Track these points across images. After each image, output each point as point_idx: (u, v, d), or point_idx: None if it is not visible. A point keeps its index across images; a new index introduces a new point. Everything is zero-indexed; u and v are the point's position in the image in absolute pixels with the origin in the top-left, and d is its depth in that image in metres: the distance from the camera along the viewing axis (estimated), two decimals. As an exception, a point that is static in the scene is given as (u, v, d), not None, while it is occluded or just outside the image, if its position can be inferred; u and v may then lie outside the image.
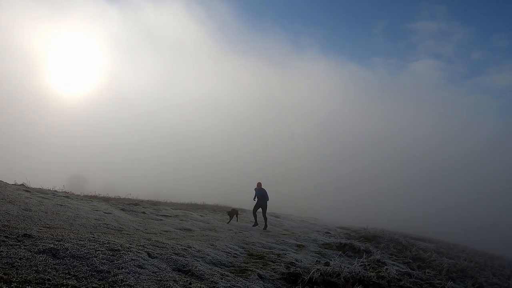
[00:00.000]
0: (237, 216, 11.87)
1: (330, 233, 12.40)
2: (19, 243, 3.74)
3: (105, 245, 4.16)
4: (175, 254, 4.54)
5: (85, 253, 3.74)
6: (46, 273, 3.11)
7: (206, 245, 5.65)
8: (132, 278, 3.36)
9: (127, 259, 3.80)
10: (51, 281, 2.95)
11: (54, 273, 3.16)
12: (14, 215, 5.34)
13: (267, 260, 5.60)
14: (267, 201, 11.30)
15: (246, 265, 5.06)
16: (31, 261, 3.30)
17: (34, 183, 9.57)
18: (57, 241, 3.98)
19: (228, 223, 11.21)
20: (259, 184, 11.36)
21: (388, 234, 14.26)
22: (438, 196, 51.26)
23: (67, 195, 9.27)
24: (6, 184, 8.37)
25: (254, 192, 11.41)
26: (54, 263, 3.38)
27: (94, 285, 3.04)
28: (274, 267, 5.20)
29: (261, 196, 11.21)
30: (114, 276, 3.30)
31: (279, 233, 10.46)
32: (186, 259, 4.43)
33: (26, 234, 4.07)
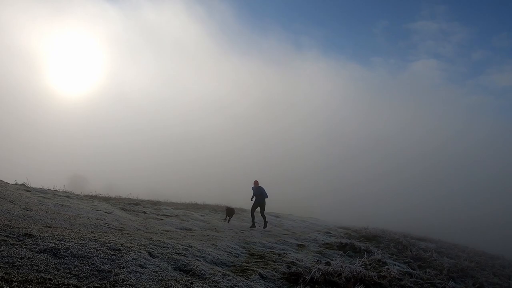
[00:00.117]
0: (230, 217, 11.43)
1: (330, 233, 12.40)
2: (20, 242, 3.73)
3: (106, 244, 4.16)
4: (176, 253, 4.54)
5: (86, 252, 3.74)
6: (47, 273, 3.10)
7: (207, 245, 5.65)
8: (133, 278, 3.35)
9: (128, 258, 3.80)
10: (52, 281, 2.94)
11: (55, 272, 3.15)
12: (15, 214, 5.33)
13: (268, 260, 5.59)
14: (266, 199, 11.01)
15: (247, 264, 5.05)
16: (32, 260, 3.29)
17: (34, 183, 9.58)
18: (58, 240, 3.97)
19: (227, 221, 10.98)
20: (256, 182, 11.08)
21: (388, 234, 14.25)
22: (438, 196, 51.28)
23: (67, 195, 9.27)
24: (6, 183, 8.37)
25: (251, 192, 11.11)
26: (55, 262, 3.37)
27: (95, 285, 3.03)
28: (275, 266, 5.19)
29: (259, 194, 10.92)
30: (115, 276, 3.29)
31: (280, 233, 10.45)
32: (187, 258, 4.42)
33: (27, 233, 4.06)
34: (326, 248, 8.47)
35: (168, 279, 3.54)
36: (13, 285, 2.71)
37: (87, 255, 3.68)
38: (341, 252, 7.99)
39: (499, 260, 16.25)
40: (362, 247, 8.96)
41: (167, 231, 7.27)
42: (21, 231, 4.14)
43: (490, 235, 31.00)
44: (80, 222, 6.03)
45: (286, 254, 6.37)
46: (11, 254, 3.32)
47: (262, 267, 5.01)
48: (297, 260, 5.91)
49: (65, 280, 3.00)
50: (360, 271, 5.54)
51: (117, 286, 3.11)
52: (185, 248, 4.93)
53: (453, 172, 62.86)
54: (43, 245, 3.72)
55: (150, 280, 3.42)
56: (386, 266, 7.01)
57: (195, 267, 4.12)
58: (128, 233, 5.81)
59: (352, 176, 56.65)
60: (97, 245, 4.06)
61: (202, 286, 3.56)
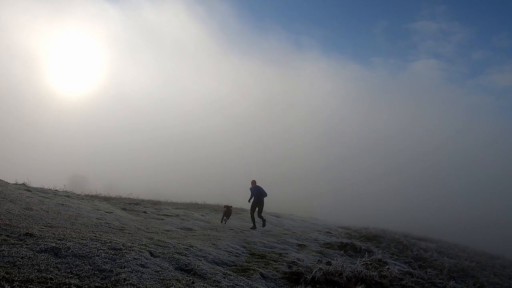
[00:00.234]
0: (227, 217, 10.96)
1: (331, 233, 12.39)
2: (20, 242, 3.72)
3: (107, 244, 4.15)
4: (177, 253, 4.53)
5: (87, 252, 3.73)
6: (48, 272, 3.09)
7: (208, 245, 5.64)
8: (135, 277, 3.34)
9: (129, 258, 3.79)
10: (53, 280, 2.93)
11: (56, 272, 3.14)
12: (16, 214, 5.32)
13: (269, 260, 5.59)
14: (266, 198, 10.77)
15: (248, 264, 5.05)
16: (33, 260, 3.28)
17: (34, 183, 9.57)
18: (59, 240, 3.97)
19: (224, 222, 10.65)
20: (253, 182, 10.86)
21: (389, 234, 14.24)
22: (438, 196, 51.28)
23: (68, 195, 9.27)
24: (7, 183, 8.36)
25: (250, 192, 10.84)
26: (56, 262, 3.36)
27: (96, 284, 3.03)
28: (276, 266, 5.19)
29: (258, 194, 10.69)
30: (116, 275, 3.29)
31: (280, 233, 10.44)
32: (188, 258, 4.42)
33: (28, 233, 4.05)
34: (326, 248, 8.47)
35: (170, 279, 3.53)
36: (14, 284, 2.70)
37: (88, 254, 3.67)
38: (341, 252, 7.98)
39: (500, 260, 16.25)
40: (363, 247, 8.96)
41: (168, 230, 7.26)
42: (22, 230, 4.13)
43: (490, 235, 31.01)
44: (81, 222, 6.02)
45: (287, 253, 6.36)
46: (12, 253, 3.31)
47: (263, 267, 5.01)
48: (298, 260, 5.91)
49: (66, 280, 2.99)
50: (361, 270, 5.53)
51: (118, 285, 3.10)
52: (186, 248, 4.92)
53: (453, 172, 62.88)
54: (44, 245, 3.71)
55: (151, 279, 3.41)
56: (387, 266, 7.01)
57: (196, 266, 4.11)
58: (129, 233, 5.80)
59: (352, 176, 56.66)
60: (98, 244, 4.05)
61: (203, 286, 3.55)
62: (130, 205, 10.42)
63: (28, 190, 8.17)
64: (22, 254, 3.36)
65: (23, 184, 9.15)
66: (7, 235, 3.84)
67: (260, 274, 4.56)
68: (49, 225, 5.14)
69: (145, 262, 3.81)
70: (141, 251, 4.13)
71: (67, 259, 3.48)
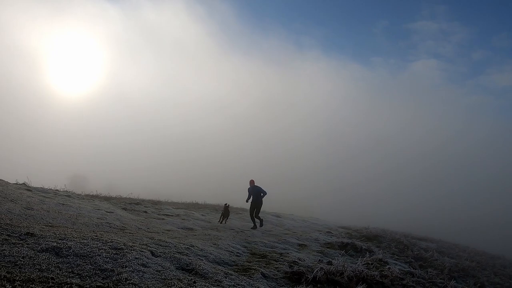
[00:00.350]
0: (226, 218, 10.71)
1: (331, 233, 12.38)
2: (21, 241, 3.72)
3: (108, 243, 4.14)
4: (178, 253, 4.53)
5: (88, 251, 3.72)
6: (50, 272, 3.09)
7: (208, 244, 5.63)
8: (136, 277, 3.34)
9: (130, 258, 3.78)
10: (54, 280, 2.93)
11: (58, 271, 3.14)
12: (16, 213, 5.32)
13: (270, 259, 5.58)
14: (266, 196, 10.61)
15: (249, 264, 5.04)
16: (34, 259, 3.27)
17: (35, 183, 9.56)
18: (60, 239, 3.96)
19: (224, 222, 10.45)
20: (251, 182, 10.71)
21: (389, 234, 14.23)
22: (438, 196, 51.28)
23: (68, 194, 9.26)
24: (7, 183, 8.36)
25: (247, 193, 10.70)
26: (57, 261, 3.35)
27: (98, 284, 3.02)
28: (277, 266, 5.18)
29: (256, 194, 10.56)
30: (118, 275, 3.28)
31: (281, 233, 10.43)
32: (190, 258, 4.41)
33: (29, 232, 4.05)
34: (327, 247, 8.46)
35: (171, 278, 3.53)
36: (15, 284, 2.70)
37: (89, 254, 3.66)
38: (342, 252, 7.98)
39: (500, 260, 16.25)
40: (363, 247, 8.95)
41: (169, 230, 7.26)
42: (22, 230, 4.12)
43: (490, 235, 31.02)
44: (82, 222, 6.01)
45: (288, 253, 6.36)
46: (13, 253, 3.30)
47: (264, 267, 5.00)
48: (299, 260, 5.90)
49: (68, 279, 2.99)
50: (362, 270, 5.53)
51: (120, 285, 3.10)
52: (187, 248, 4.92)
53: (453, 172, 62.88)
54: (45, 244, 3.70)
55: (153, 279, 3.41)
56: (388, 266, 7.00)
57: (197, 266, 4.11)
58: (129, 233, 5.79)
59: (352, 176, 56.67)
60: (99, 244, 4.04)
61: (205, 285, 3.55)
62: (131, 205, 10.41)
63: (29, 190, 8.16)
64: (23, 253, 3.35)
65: (24, 184, 9.14)
66: (8, 235, 3.83)
67: (261, 274, 4.55)
68: (50, 224, 5.13)
69: (146, 262, 3.80)
70: (142, 251, 4.13)
71: (68, 258, 3.47)
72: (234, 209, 15.05)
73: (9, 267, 3.00)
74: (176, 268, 3.95)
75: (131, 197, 13.32)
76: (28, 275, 2.91)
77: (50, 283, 2.84)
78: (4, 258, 3.15)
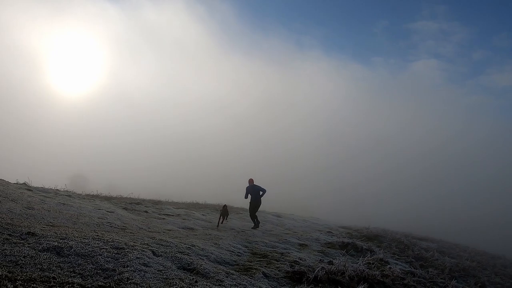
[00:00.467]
0: (224, 218, 10.13)
1: (332, 233, 12.38)
2: (22, 241, 3.71)
3: (110, 243, 4.14)
4: (180, 252, 4.52)
5: (89, 251, 3.72)
6: (51, 271, 3.08)
7: (209, 244, 5.63)
8: (138, 276, 3.33)
9: (132, 257, 3.78)
10: (56, 279, 2.92)
11: (59, 271, 3.13)
12: (17, 213, 5.31)
13: (271, 259, 5.58)
14: (266, 194, 10.47)
15: (250, 263, 5.04)
16: (35, 259, 3.27)
17: (35, 182, 9.55)
18: (61, 239, 3.96)
19: (224, 222, 10.04)
20: (251, 181, 10.58)
21: (390, 234, 14.23)
22: (438, 196, 51.25)
23: (69, 194, 9.25)
24: (8, 183, 8.35)
25: (245, 191, 10.54)
26: (59, 261, 3.35)
27: (100, 283, 3.02)
28: (278, 265, 5.18)
29: (256, 193, 10.43)
30: (119, 274, 3.28)
31: (281, 232, 10.42)
32: (191, 257, 4.41)
33: (30, 232, 4.04)
34: (328, 247, 8.46)
35: (173, 278, 3.52)
36: (17, 283, 2.69)
37: (91, 253, 3.66)
38: (343, 252, 7.97)
39: (501, 260, 16.23)
40: (364, 247, 8.94)
41: (170, 230, 7.25)
42: (23, 229, 4.12)
43: (490, 235, 30.98)
44: (83, 221, 6.01)
45: (289, 253, 6.36)
46: (14, 252, 3.30)
47: (265, 266, 5.00)
48: (300, 259, 5.90)
49: (69, 279, 2.98)
50: (364, 270, 5.52)
51: (121, 284, 3.09)
52: (188, 247, 4.91)
53: (453, 172, 62.80)
54: (46, 244, 3.70)
55: (154, 278, 3.40)
56: (389, 265, 7.00)
57: (199, 266, 4.10)
58: (130, 232, 5.79)
59: (352, 176, 56.60)
60: (101, 243, 4.04)
61: (206, 285, 3.54)
62: (131, 204, 10.40)
63: (29, 190, 8.15)
64: (24, 253, 3.35)
65: (24, 183, 9.13)
66: (9, 234, 3.83)
67: (262, 273, 4.55)
68: (51, 224, 5.13)
69: (147, 261, 3.80)
70: (143, 250, 4.12)
71: (70, 258, 3.47)
72: (235, 209, 15.04)
73: (10, 266, 3.00)
74: (178, 268, 3.95)
75: (131, 197, 13.31)
76: (30, 274, 2.90)
77: (52, 283, 2.84)
78: (5, 257, 3.15)
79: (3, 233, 3.82)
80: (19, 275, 2.83)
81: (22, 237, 3.85)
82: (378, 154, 68.35)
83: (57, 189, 9.84)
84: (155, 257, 4.06)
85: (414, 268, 8.01)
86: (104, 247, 3.95)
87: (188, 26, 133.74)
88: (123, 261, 3.63)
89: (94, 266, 3.36)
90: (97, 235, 4.48)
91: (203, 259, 4.54)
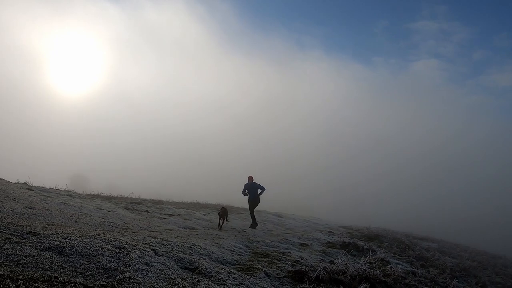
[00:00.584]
0: (223, 220, 9.42)
1: (332, 232, 12.37)
2: (24, 240, 3.71)
3: (111, 242, 4.13)
4: (181, 252, 4.51)
5: (91, 250, 3.71)
6: (53, 271, 3.08)
7: (211, 244, 5.62)
8: (140, 276, 3.33)
9: (134, 256, 3.77)
10: (58, 279, 2.92)
11: (61, 270, 3.13)
12: (18, 212, 5.31)
13: (272, 259, 5.57)
14: (265, 191, 10.36)
15: (251, 263, 5.03)
16: (37, 258, 3.26)
17: (36, 182, 9.53)
18: (62, 238, 3.95)
19: (221, 227, 9.18)
20: (250, 178, 10.47)
21: (390, 234, 14.21)
22: (438, 196, 51.24)
23: (70, 194, 9.25)
24: (9, 182, 8.35)
25: (243, 187, 10.39)
26: (61, 260, 3.34)
27: (102, 283, 3.01)
28: (279, 265, 5.17)
29: (255, 191, 10.33)
30: (121, 274, 3.27)
31: (282, 232, 10.41)
32: (192, 257, 4.40)
33: (31, 231, 4.04)
34: (329, 247, 8.45)
35: (175, 277, 3.52)
36: (19, 283, 2.68)
37: (93, 253, 3.65)
38: (344, 251, 7.97)
39: (501, 259, 16.23)
40: (365, 246, 8.94)
41: (171, 229, 7.25)
42: (25, 229, 4.11)
43: (491, 235, 30.97)
44: (84, 221, 6.00)
45: (290, 253, 6.35)
46: (16, 252, 3.29)
47: (266, 266, 4.99)
48: (301, 259, 5.89)
49: (71, 278, 2.97)
50: (365, 269, 5.51)
51: (124, 284, 3.08)
52: (190, 247, 4.91)
53: (453, 172, 62.76)
54: (47, 243, 3.69)
55: (156, 278, 3.40)
56: (390, 265, 6.99)
57: (200, 265, 4.10)
58: (132, 232, 5.78)
59: (352, 176, 56.59)
60: (102, 243, 4.03)
61: (208, 284, 3.54)
62: (132, 204, 10.40)
63: (30, 189, 8.15)
64: (26, 252, 3.34)
65: (25, 183, 9.13)
66: (10, 234, 3.82)
67: (264, 273, 4.54)
68: (52, 223, 5.12)
69: (149, 261, 3.79)
70: (145, 250, 4.12)
71: (72, 257, 3.46)
72: (235, 208, 15.03)
73: (12, 266, 2.99)
74: (179, 267, 3.94)
75: (132, 196, 13.30)
76: (31, 274, 2.90)
77: (54, 282, 2.83)
78: (7, 257, 3.14)
79: (4, 232, 3.82)
80: (21, 275, 2.83)
81: (24, 236, 3.84)
82: (378, 154, 68.33)
83: (58, 189, 9.83)
84: (157, 256, 4.06)
85: (415, 268, 8.00)
86: (106, 246, 3.94)
87: (189, 26, 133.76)
88: (125, 260, 3.63)
89: (96, 266, 3.36)
90: (99, 235, 4.47)
91: (205, 259, 4.53)
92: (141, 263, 3.66)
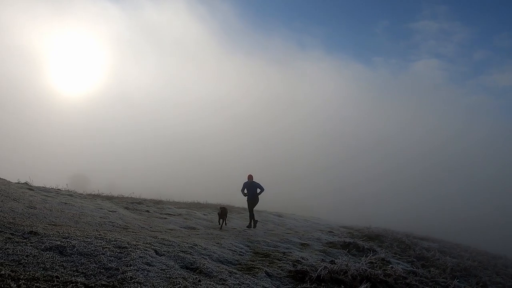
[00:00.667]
0: (223, 220, 9.28)
1: (333, 232, 12.36)
2: (25, 240, 3.70)
3: (112, 242, 4.13)
4: (182, 251, 4.51)
5: (92, 250, 3.71)
6: (54, 270, 3.07)
7: (211, 243, 5.62)
8: (141, 275, 3.32)
9: (135, 256, 3.77)
10: (59, 278, 2.91)
11: (62, 270, 3.12)
12: (19, 212, 5.30)
13: (273, 258, 5.57)
14: (264, 192, 10.22)
15: (252, 263, 5.03)
16: (38, 258, 3.26)
17: (36, 182, 9.54)
18: (63, 238, 3.94)
19: (221, 227, 9.10)
20: (250, 177, 10.36)
21: (391, 234, 14.21)
22: (438, 196, 51.23)
23: (70, 194, 9.25)
24: (9, 182, 8.34)
25: (242, 185, 10.31)
26: (62, 260, 3.34)
27: (103, 282, 3.00)
28: (280, 265, 5.17)
29: (254, 190, 10.21)
30: (123, 274, 3.26)
31: (283, 232, 10.41)
32: (193, 256, 4.39)
33: (32, 231, 4.03)
34: (329, 247, 8.44)
35: (176, 277, 3.51)
36: (20, 283, 2.68)
37: (94, 253, 3.65)
38: (345, 251, 7.97)
39: (502, 259, 16.22)
40: (366, 246, 8.93)
41: (171, 229, 7.24)
42: (26, 228, 4.11)
43: (491, 235, 30.95)
44: (85, 221, 6.00)
45: (291, 252, 6.34)
46: (17, 251, 3.29)
47: (267, 266, 4.99)
48: (302, 259, 5.89)
49: (73, 278, 2.97)
50: (366, 269, 5.51)
51: (125, 283, 3.08)
52: (191, 247, 4.90)
53: (453, 172, 62.73)
54: (48, 243, 3.69)
55: (158, 277, 3.39)
56: (391, 265, 6.99)
57: (201, 265, 4.09)
58: (133, 232, 5.78)
59: (352, 176, 56.56)
60: (103, 243, 4.03)
61: (210, 284, 3.53)
62: (133, 204, 10.40)
63: (31, 189, 8.14)
64: (27, 252, 3.33)
65: (26, 183, 9.13)
66: (11, 233, 3.82)
67: (265, 273, 4.54)
68: (53, 223, 5.12)
69: (150, 261, 3.79)
70: (146, 250, 4.11)
71: (73, 257, 3.46)
72: (236, 208, 15.02)
73: (13, 265, 2.98)
74: (181, 267, 3.94)
75: (132, 196, 13.30)
76: (33, 273, 2.89)
77: (55, 282, 2.83)
78: (7, 256, 3.13)
79: (5, 232, 3.81)
80: (22, 274, 2.82)
81: (25, 236, 3.84)
82: (378, 154, 68.26)
83: (59, 189, 9.83)
84: (158, 256, 4.05)
85: (416, 268, 8.01)
86: (107, 246, 3.93)
87: (189, 26, 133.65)
88: (126, 260, 3.62)
89: (97, 265, 3.35)
90: (100, 235, 4.47)
91: (206, 259, 4.52)
92: (142, 262, 3.66)
